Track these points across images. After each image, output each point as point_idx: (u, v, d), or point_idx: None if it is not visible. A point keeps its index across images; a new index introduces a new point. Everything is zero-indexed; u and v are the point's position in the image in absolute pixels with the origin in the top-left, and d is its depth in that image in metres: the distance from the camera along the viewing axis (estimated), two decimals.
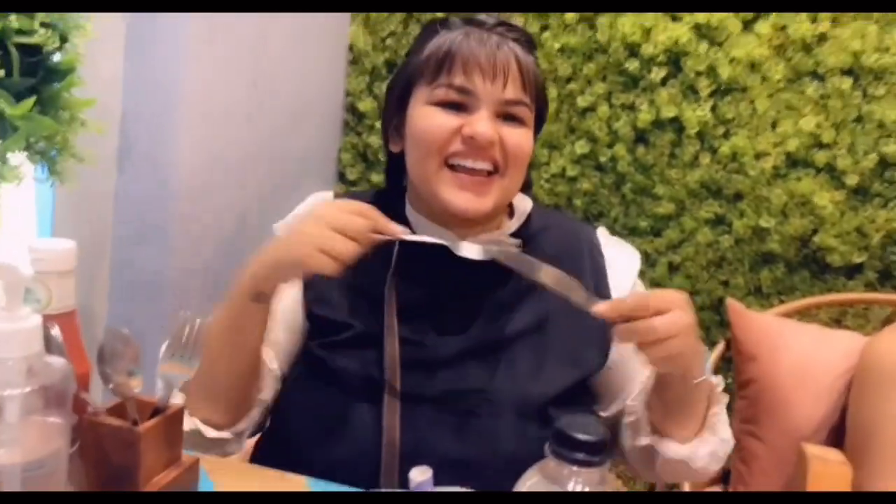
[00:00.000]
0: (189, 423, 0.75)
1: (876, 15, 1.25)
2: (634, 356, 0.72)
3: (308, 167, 1.47)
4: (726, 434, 0.78)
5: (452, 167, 0.77)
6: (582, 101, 1.38)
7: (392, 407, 0.74)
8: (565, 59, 1.39)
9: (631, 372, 0.83)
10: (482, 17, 0.80)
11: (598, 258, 0.86)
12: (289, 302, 0.83)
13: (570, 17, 1.37)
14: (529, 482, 0.42)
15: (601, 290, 0.84)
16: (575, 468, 0.40)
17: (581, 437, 0.39)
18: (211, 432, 0.77)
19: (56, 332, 0.53)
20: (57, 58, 0.71)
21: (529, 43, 0.81)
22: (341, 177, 1.59)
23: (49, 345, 0.50)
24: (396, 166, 0.85)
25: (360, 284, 0.80)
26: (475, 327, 0.78)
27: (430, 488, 0.38)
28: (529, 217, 0.86)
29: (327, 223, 0.68)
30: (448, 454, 0.72)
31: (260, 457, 0.81)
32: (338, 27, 1.48)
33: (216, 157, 1.16)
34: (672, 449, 0.75)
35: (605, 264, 0.86)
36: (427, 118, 0.77)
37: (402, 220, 0.82)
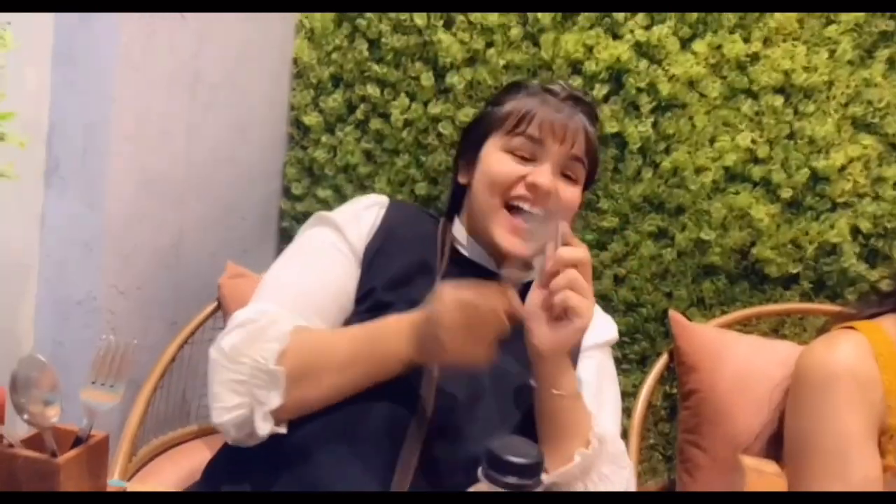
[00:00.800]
0: (265, 427, 0.76)
1: (804, 36, 1.31)
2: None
3: (252, 182, 1.44)
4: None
5: (510, 208, 0.91)
6: None
7: (429, 383, 0.81)
8: (511, 75, 1.40)
9: None
10: (556, 87, 0.97)
11: None
12: (345, 283, 0.90)
13: (515, 33, 1.38)
14: None
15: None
16: (507, 492, 0.39)
17: (513, 459, 0.39)
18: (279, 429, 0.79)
19: None
20: None
21: (594, 115, 0.99)
22: (287, 192, 1.56)
23: None
24: (458, 194, 1.02)
25: (413, 287, 0.89)
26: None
27: None
28: None
29: (470, 328, 0.73)
30: (474, 432, 0.80)
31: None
32: (281, 40, 1.46)
33: (152, 172, 1.12)
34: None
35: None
36: (500, 163, 0.92)
37: (449, 234, 0.99)
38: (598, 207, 1.39)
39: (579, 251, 0.76)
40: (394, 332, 0.79)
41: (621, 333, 1.43)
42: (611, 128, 1.36)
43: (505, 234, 0.91)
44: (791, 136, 1.32)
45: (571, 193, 0.94)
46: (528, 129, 0.92)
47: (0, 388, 0.55)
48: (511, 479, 0.38)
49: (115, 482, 0.60)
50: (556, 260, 0.74)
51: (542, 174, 0.90)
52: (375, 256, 0.91)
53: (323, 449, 0.79)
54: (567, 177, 0.93)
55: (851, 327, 1.01)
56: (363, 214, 0.95)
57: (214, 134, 1.28)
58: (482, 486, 0.40)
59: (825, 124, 1.30)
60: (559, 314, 0.76)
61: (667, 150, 1.36)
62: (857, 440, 0.88)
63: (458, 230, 0.99)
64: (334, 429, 0.80)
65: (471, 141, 0.99)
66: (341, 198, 1.52)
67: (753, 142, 1.33)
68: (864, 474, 0.85)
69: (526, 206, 0.91)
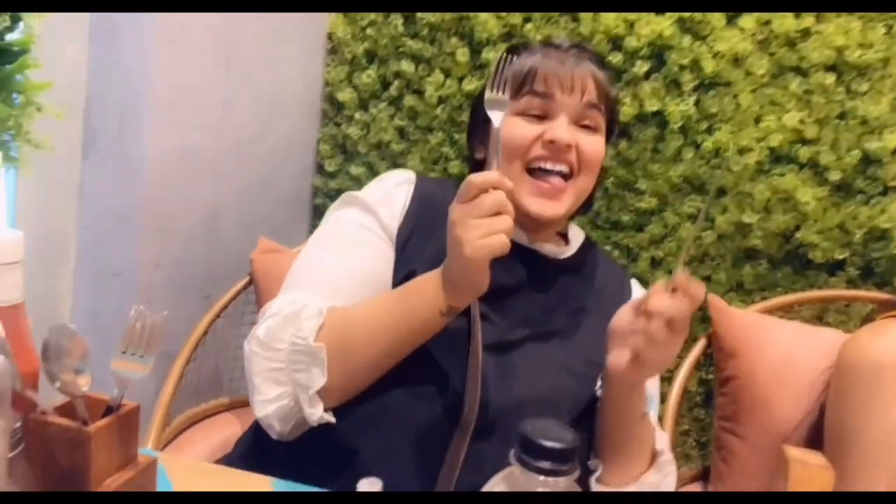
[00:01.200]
0: (314, 412, 0.75)
1: None
2: None
3: (286, 158, 1.44)
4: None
5: (532, 171, 0.86)
6: None
7: (475, 362, 0.78)
8: None
9: None
10: (557, 40, 0.92)
11: (629, 298, 0.95)
12: (381, 268, 0.86)
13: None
14: (493, 489, 0.39)
15: None
16: (541, 477, 0.37)
17: (547, 444, 0.37)
18: (329, 417, 0.77)
19: None
20: (10, 38, 0.67)
21: (601, 61, 0.92)
22: (320, 168, 1.55)
23: None
24: (478, 171, 0.95)
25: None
26: (537, 317, 0.86)
27: None
28: (583, 247, 0.97)
29: (471, 215, 0.70)
30: (520, 404, 0.79)
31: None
32: (316, 15, 1.45)
33: (187, 146, 1.13)
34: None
35: None
36: (511, 127, 0.86)
37: None
38: (637, 188, 1.36)
39: (680, 305, 0.68)
40: (423, 283, 0.76)
41: None
42: (651, 106, 1.32)
43: (533, 199, 0.85)
44: (842, 116, 1.26)
45: (594, 143, 0.87)
46: (533, 86, 0.86)
47: (34, 356, 0.56)
48: (544, 464, 0.37)
49: (146, 451, 0.61)
50: (652, 305, 0.68)
51: (559, 128, 0.84)
52: (410, 237, 0.87)
53: (367, 441, 0.77)
54: (586, 127, 0.87)
55: None
56: (394, 193, 0.90)
57: (249, 108, 1.27)
58: (515, 470, 0.38)
59: (879, 104, 1.24)
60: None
61: (709, 130, 1.32)
62: (884, 443, 0.85)
63: None
64: (377, 422, 0.77)
65: (479, 114, 0.91)
66: (374, 175, 1.49)
67: (801, 122, 1.28)
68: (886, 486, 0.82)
69: (548, 166, 0.86)
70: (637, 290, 0.99)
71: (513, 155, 0.86)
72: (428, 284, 0.75)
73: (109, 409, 0.56)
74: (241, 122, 1.25)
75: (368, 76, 1.47)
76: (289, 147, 1.44)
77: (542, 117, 0.86)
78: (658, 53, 1.32)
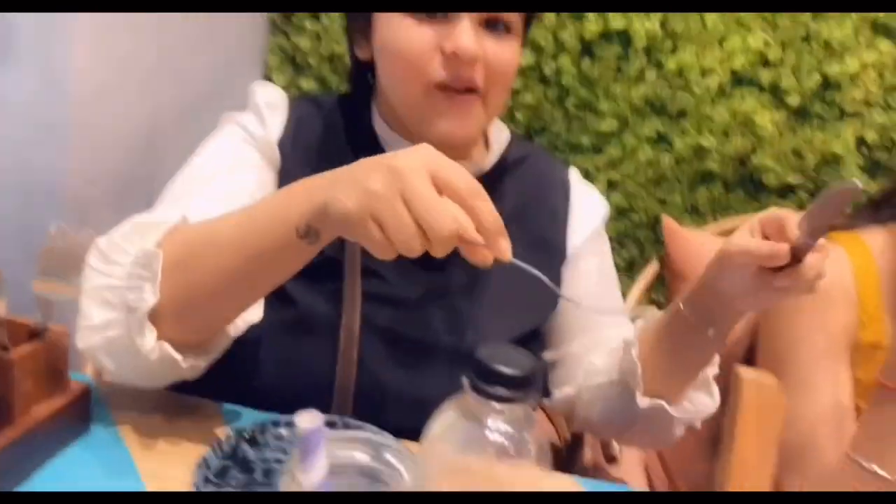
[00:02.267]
0: (156, 349, 0.56)
1: None
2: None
3: (230, 71, 1.35)
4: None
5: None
6: None
7: (349, 342, 0.70)
8: None
9: (583, 321, 0.82)
10: None
11: (565, 199, 0.84)
12: (261, 180, 0.74)
13: None
14: (444, 417, 0.38)
15: (560, 230, 0.82)
16: (496, 405, 0.36)
17: (503, 369, 0.35)
18: (186, 361, 0.59)
19: None
20: None
21: None
22: (267, 81, 1.47)
23: None
24: (362, 72, 0.77)
25: None
26: (439, 272, 0.74)
27: (319, 440, 0.33)
28: (507, 148, 0.82)
29: (402, 191, 0.47)
30: (401, 394, 0.70)
31: (207, 384, 0.67)
32: None
33: (120, 55, 1.03)
34: (680, 410, 0.72)
35: (569, 206, 0.84)
36: (400, 31, 0.67)
37: (370, 132, 0.77)
38: (597, 109, 1.32)
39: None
40: (285, 192, 0.57)
41: (610, 239, 1.40)
42: (616, 23, 1.27)
43: (441, 118, 0.68)
44: (806, 38, 1.24)
45: (505, 51, 0.68)
46: None
47: None
48: (500, 391, 0.35)
49: (78, 376, 0.57)
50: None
51: (461, 34, 0.64)
52: (291, 155, 0.74)
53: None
54: (494, 29, 0.68)
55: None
56: (266, 116, 0.77)
57: (189, 17, 1.17)
58: (467, 397, 0.37)
59: (843, 26, 1.22)
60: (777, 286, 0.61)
61: (673, 50, 1.28)
62: (822, 360, 0.87)
63: (380, 126, 0.77)
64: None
65: None
66: (326, 90, 1.43)
67: (766, 43, 1.25)
68: (828, 398, 0.84)
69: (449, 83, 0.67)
70: (577, 182, 0.87)
71: (408, 72, 0.68)
72: (289, 194, 0.56)
73: (36, 334, 0.52)
74: (179, 29, 1.16)
75: None
76: (234, 58, 1.34)
77: (438, 17, 0.66)
78: None
